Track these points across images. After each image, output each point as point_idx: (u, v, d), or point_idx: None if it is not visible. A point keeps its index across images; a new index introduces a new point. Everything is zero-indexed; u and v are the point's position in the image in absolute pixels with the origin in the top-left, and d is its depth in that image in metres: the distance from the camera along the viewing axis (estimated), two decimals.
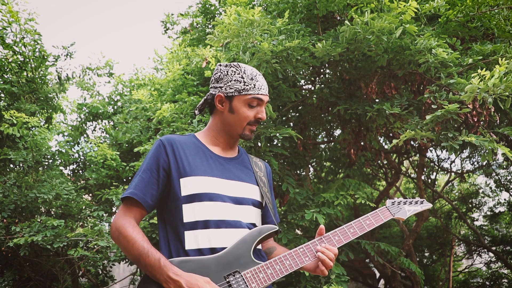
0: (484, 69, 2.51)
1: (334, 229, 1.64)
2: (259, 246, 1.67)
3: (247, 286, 1.45)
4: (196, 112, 1.79)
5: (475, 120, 2.77)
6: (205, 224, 1.53)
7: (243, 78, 1.64)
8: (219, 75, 1.68)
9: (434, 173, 7.46)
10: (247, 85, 1.63)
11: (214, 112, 1.72)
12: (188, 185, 1.55)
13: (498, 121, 3.03)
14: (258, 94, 1.64)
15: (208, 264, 1.47)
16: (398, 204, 1.77)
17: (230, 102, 1.65)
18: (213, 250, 1.51)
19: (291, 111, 4.39)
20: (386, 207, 1.74)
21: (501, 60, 2.44)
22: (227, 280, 1.46)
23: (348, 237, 1.62)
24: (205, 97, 1.74)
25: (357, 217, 6.08)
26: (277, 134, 3.28)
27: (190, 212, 1.54)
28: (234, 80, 1.64)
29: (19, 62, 4.58)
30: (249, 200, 1.65)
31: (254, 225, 1.64)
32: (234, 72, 1.65)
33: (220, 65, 1.70)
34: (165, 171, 1.57)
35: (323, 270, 1.57)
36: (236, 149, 1.78)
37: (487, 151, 2.60)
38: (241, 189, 1.65)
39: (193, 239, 1.52)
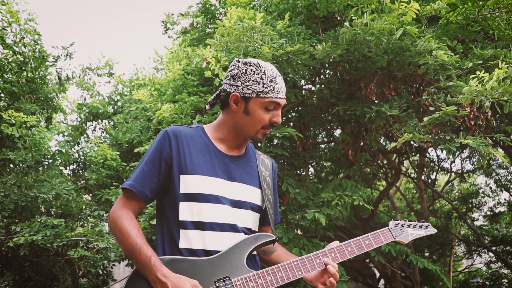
0: (483, 71, 2.51)
1: (332, 246, 1.61)
2: (254, 252, 1.65)
3: None
4: (207, 107, 1.71)
5: (472, 123, 2.77)
6: (200, 225, 1.51)
7: (263, 79, 1.53)
8: (237, 73, 1.56)
9: (434, 173, 7.45)
10: (266, 87, 1.53)
11: (227, 110, 1.63)
12: (187, 183, 1.53)
13: (495, 125, 3.03)
14: (276, 97, 1.54)
15: (199, 266, 1.46)
16: (401, 226, 1.72)
17: (246, 103, 1.55)
18: (207, 252, 1.50)
19: (291, 111, 4.39)
20: (389, 228, 1.70)
21: (501, 64, 2.44)
22: (217, 285, 1.45)
23: (345, 256, 1.60)
24: (217, 92, 1.66)
25: (357, 218, 6.06)
26: (277, 134, 3.27)
27: (187, 211, 1.52)
28: (253, 81, 1.53)
29: (19, 62, 4.59)
30: (248, 204, 1.62)
31: (250, 230, 1.62)
32: (253, 71, 1.54)
33: (239, 61, 1.59)
34: (167, 164, 1.54)
35: (330, 281, 1.54)
36: (244, 147, 1.71)
37: (482, 155, 2.60)
38: (242, 191, 1.61)
39: (186, 239, 1.51)
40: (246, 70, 1.55)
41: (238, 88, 1.55)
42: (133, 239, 1.45)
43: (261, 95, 1.53)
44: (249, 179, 1.65)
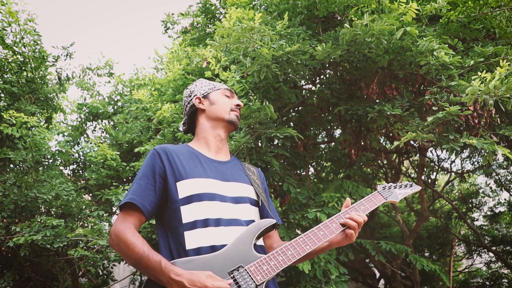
0: (485, 71, 2.50)
1: (331, 217, 1.66)
2: (261, 242, 1.69)
3: (252, 279, 1.46)
4: (181, 128, 1.97)
5: (476, 121, 2.77)
6: (204, 223, 1.54)
7: (211, 83, 1.91)
8: (192, 90, 1.92)
9: (434, 173, 7.45)
10: (215, 86, 1.90)
11: (197, 122, 1.87)
12: (185, 188, 1.59)
13: (498, 122, 3.03)
14: (226, 88, 1.91)
15: (210, 263, 1.48)
16: (389, 188, 1.81)
17: (208, 98, 1.86)
18: (213, 248, 1.52)
19: (291, 111, 4.39)
20: (378, 191, 1.78)
21: (503, 62, 2.43)
22: (232, 275, 1.46)
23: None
24: (182, 122, 1.94)
25: None
26: (278, 134, 3.27)
27: (189, 213, 1.56)
28: (205, 85, 1.90)
29: (19, 62, 4.58)
30: (247, 199, 1.69)
31: (253, 222, 1.66)
32: (202, 82, 1.92)
33: (188, 89, 1.95)
34: (162, 178, 1.61)
35: (352, 234, 1.61)
36: (228, 154, 1.86)
37: (487, 152, 2.60)
38: (237, 189, 1.69)
39: (193, 239, 1.53)
40: (196, 84, 1.93)
41: (197, 94, 1.88)
42: (139, 248, 1.46)
43: (215, 89, 1.89)
44: (241, 178, 1.76)
